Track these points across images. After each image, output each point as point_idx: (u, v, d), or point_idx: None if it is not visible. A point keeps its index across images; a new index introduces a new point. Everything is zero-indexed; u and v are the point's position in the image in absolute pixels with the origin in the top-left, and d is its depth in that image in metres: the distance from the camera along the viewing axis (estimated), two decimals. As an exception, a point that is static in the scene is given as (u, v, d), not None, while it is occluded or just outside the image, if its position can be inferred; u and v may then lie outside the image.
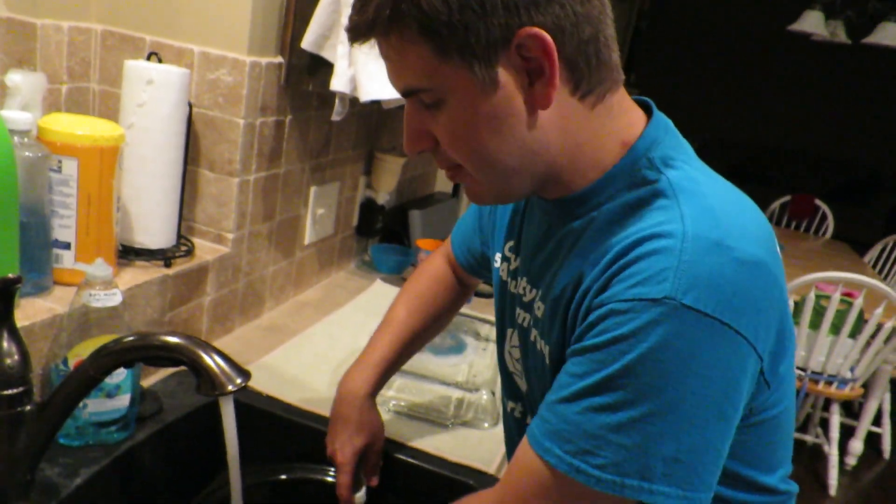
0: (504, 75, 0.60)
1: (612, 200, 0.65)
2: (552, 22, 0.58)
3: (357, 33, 0.62)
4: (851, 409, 3.50)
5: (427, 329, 1.04)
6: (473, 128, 0.62)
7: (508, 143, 0.62)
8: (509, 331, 0.85)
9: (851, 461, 3.11)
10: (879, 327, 2.65)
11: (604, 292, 0.60)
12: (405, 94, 0.64)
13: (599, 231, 0.65)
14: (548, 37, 0.58)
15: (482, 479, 0.98)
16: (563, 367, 0.63)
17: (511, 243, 0.84)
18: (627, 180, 0.65)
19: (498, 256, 0.88)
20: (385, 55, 0.63)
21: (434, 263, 1.07)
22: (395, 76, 0.64)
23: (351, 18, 0.62)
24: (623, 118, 0.67)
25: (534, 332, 0.75)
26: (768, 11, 5.73)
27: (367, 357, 1.00)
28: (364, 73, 1.06)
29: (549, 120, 0.62)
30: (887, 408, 3.25)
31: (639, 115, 0.68)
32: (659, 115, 0.69)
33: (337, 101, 1.16)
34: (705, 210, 0.60)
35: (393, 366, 1.01)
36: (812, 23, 3.76)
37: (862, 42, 3.74)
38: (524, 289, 0.77)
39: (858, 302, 2.56)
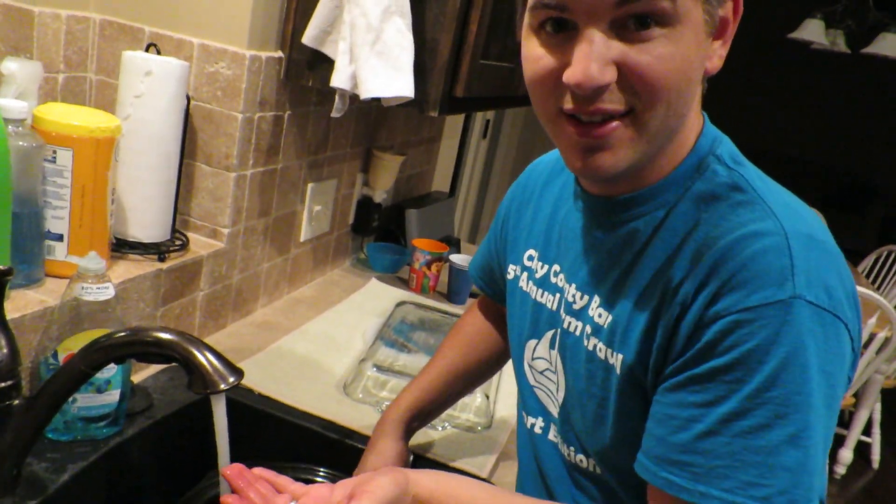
0: (720, 22, 0.58)
1: (682, 198, 0.63)
2: None
3: None
4: (842, 419, 3.51)
5: (470, 364, 0.99)
6: (687, 65, 0.56)
7: (691, 94, 0.59)
8: (532, 342, 0.80)
9: (841, 470, 3.12)
10: (872, 337, 2.65)
11: (716, 303, 0.56)
12: None
13: (674, 232, 0.62)
14: (741, 1, 0.59)
15: (474, 483, 0.97)
16: (678, 399, 0.58)
17: (532, 251, 0.81)
18: (696, 176, 0.64)
19: (513, 268, 0.85)
20: None
21: (472, 312, 1.04)
22: None
23: None
24: (700, 114, 0.67)
25: (593, 341, 0.69)
26: (769, 19, 5.74)
27: (406, 387, 0.97)
28: (365, 70, 1.05)
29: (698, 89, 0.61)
30: (877, 417, 3.27)
31: (701, 116, 0.68)
32: (709, 121, 0.68)
33: (337, 97, 1.15)
34: (786, 205, 0.60)
35: (431, 396, 0.96)
36: (812, 32, 3.77)
37: (861, 52, 3.75)
38: (573, 296, 0.72)
39: (852, 311, 2.57)
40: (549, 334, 0.77)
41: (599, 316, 0.68)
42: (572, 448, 0.75)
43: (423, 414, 0.96)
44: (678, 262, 0.61)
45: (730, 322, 0.55)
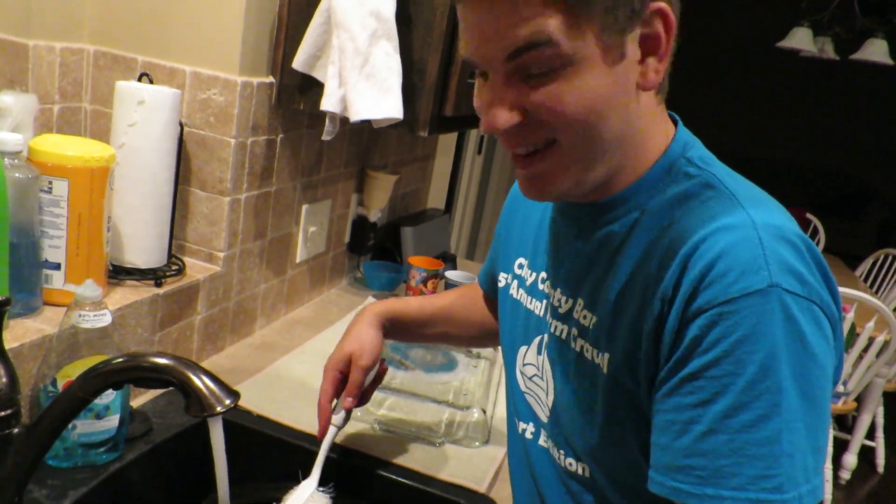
0: (630, 47, 0.60)
1: (655, 200, 0.65)
2: (672, 5, 0.61)
3: None
4: (845, 423, 3.50)
5: (464, 314, 1.03)
6: (591, 97, 0.59)
7: (615, 118, 0.61)
8: (523, 348, 0.82)
9: (845, 475, 3.11)
10: (871, 341, 2.66)
11: (696, 299, 0.57)
12: (522, 49, 0.57)
13: (649, 230, 0.64)
14: (672, 14, 0.60)
15: (473, 499, 0.98)
16: (675, 403, 0.58)
17: (522, 259, 0.83)
18: (668, 179, 0.66)
19: (504, 276, 0.87)
20: (510, 7, 0.57)
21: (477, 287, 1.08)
22: (519, 29, 0.57)
23: None
24: (667, 120, 0.69)
25: (579, 343, 0.71)
26: (757, 28, 5.79)
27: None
28: (354, 93, 1.07)
29: (641, 105, 0.63)
30: (881, 421, 3.26)
31: (670, 123, 0.70)
32: (683, 127, 0.70)
33: (327, 120, 1.16)
34: (755, 199, 0.62)
35: (414, 314, 1.01)
36: (801, 40, 3.80)
37: (850, 58, 3.78)
38: (559, 300, 0.75)
39: (850, 316, 2.57)
40: (537, 340, 0.79)
41: (585, 318, 0.70)
42: (562, 452, 0.77)
43: (399, 322, 0.99)
44: (654, 258, 0.62)
45: (712, 315, 0.56)
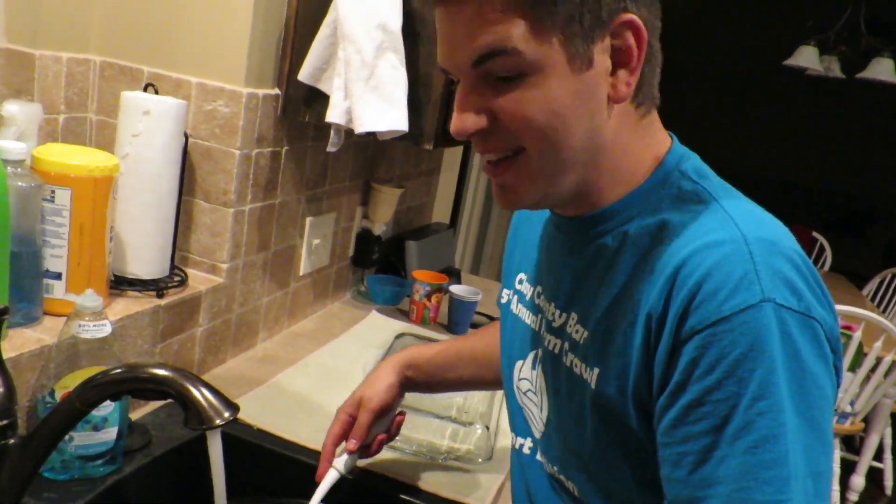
0: (598, 56, 0.60)
1: (647, 212, 0.64)
2: (644, 19, 0.60)
3: None
4: (852, 444, 3.46)
5: (487, 355, 1.00)
6: (556, 104, 0.59)
7: (582, 127, 0.61)
8: (519, 363, 0.82)
9: (853, 497, 3.07)
10: (879, 361, 2.63)
11: (688, 319, 0.56)
12: (485, 56, 0.58)
13: (640, 245, 0.64)
14: (643, 26, 0.59)
15: (475, 516, 0.96)
16: (685, 433, 0.56)
17: (523, 275, 0.83)
18: (661, 192, 0.65)
19: (506, 293, 0.87)
20: (474, 15, 0.57)
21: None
22: (483, 36, 0.57)
23: None
24: (658, 135, 0.68)
25: (570, 357, 0.70)
26: (764, 47, 5.81)
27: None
28: (360, 105, 1.06)
29: (613, 117, 0.63)
30: (889, 442, 3.22)
31: (667, 136, 0.69)
32: (678, 143, 0.70)
33: (333, 132, 1.16)
34: (749, 213, 0.61)
35: (435, 360, 0.99)
36: (807, 58, 3.81)
37: (856, 77, 3.79)
38: (553, 314, 0.74)
39: (857, 335, 2.55)
40: (532, 355, 0.78)
41: (577, 332, 0.69)
42: (556, 467, 0.76)
43: (421, 366, 0.98)
44: (644, 275, 0.61)
45: (706, 336, 0.55)
